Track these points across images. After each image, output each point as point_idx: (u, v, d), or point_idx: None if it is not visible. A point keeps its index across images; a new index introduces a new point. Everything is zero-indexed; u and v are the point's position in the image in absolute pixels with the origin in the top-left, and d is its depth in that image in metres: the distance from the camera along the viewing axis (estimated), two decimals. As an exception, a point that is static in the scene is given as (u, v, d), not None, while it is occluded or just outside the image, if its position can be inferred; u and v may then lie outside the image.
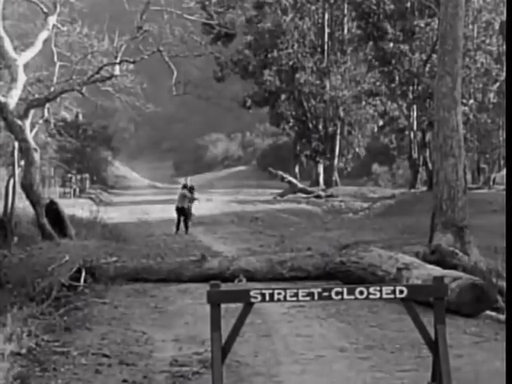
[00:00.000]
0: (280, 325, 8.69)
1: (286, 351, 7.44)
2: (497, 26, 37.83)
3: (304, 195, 40.26)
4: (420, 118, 39.14)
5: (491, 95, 39.04)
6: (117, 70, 21.12)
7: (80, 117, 50.30)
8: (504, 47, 31.77)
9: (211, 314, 4.87)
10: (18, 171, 16.72)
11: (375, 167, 59.48)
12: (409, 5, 38.60)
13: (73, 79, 21.99)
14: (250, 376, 6.55)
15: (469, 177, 32.74)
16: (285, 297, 4.89)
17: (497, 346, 7.32)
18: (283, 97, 47.33)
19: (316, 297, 4.90)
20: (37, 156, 16.99)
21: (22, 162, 17.18)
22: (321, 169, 49.22)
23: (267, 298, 4.87)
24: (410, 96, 38.96)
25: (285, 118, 47.93)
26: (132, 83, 24.28)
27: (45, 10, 20.07)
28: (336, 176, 47.88)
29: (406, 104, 39.99)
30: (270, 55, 45.42)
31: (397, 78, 39.29)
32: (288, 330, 8.43)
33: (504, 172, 32.09)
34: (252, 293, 4.86)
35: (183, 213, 22.46)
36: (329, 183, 47.00)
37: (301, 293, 4.89)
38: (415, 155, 40.85)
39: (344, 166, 49.63)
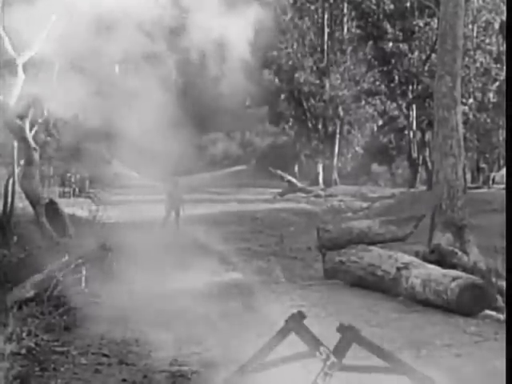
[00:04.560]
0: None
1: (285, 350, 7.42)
2: (496, 26, 37.79)
3: (303, 194, 40.19)
4: (419, 117, 39.16)
5: (491, 95, 38.98)
6: (116, 68, 21.12)
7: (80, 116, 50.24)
8: (504, 47, 31.76)
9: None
10: (17, 170, 16.71)
11: (375, 167, 59.36)
12: (408, 4, 38.60)
13: (72, 78, 21.97)
14: (249, 375, 6.53)
15: (468, 176, 32.67)
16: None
17: (496, 346, 7.32)
18: (283, 96, 47.29)
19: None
20: (36, 155, 16.96)
21: (22, 162, 17.17)
22: (320, 168, 49.16)
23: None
24: (410, 95, 38.98)
25: (284, 117, 47.91)
26: (131, 82, 24.28)
27: (44, 9, 20.05)
28: (335, 175, 47.82)
29: (406, 103, 40.00)
30: (269, 54, 45.38)
31: (396, 78, 39.33)
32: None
33: (503, 171, 32.06)
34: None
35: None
36: (328, 183, 46.92)
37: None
38: (415, 155, 40.85)
39: (343, 166, 49.57)
